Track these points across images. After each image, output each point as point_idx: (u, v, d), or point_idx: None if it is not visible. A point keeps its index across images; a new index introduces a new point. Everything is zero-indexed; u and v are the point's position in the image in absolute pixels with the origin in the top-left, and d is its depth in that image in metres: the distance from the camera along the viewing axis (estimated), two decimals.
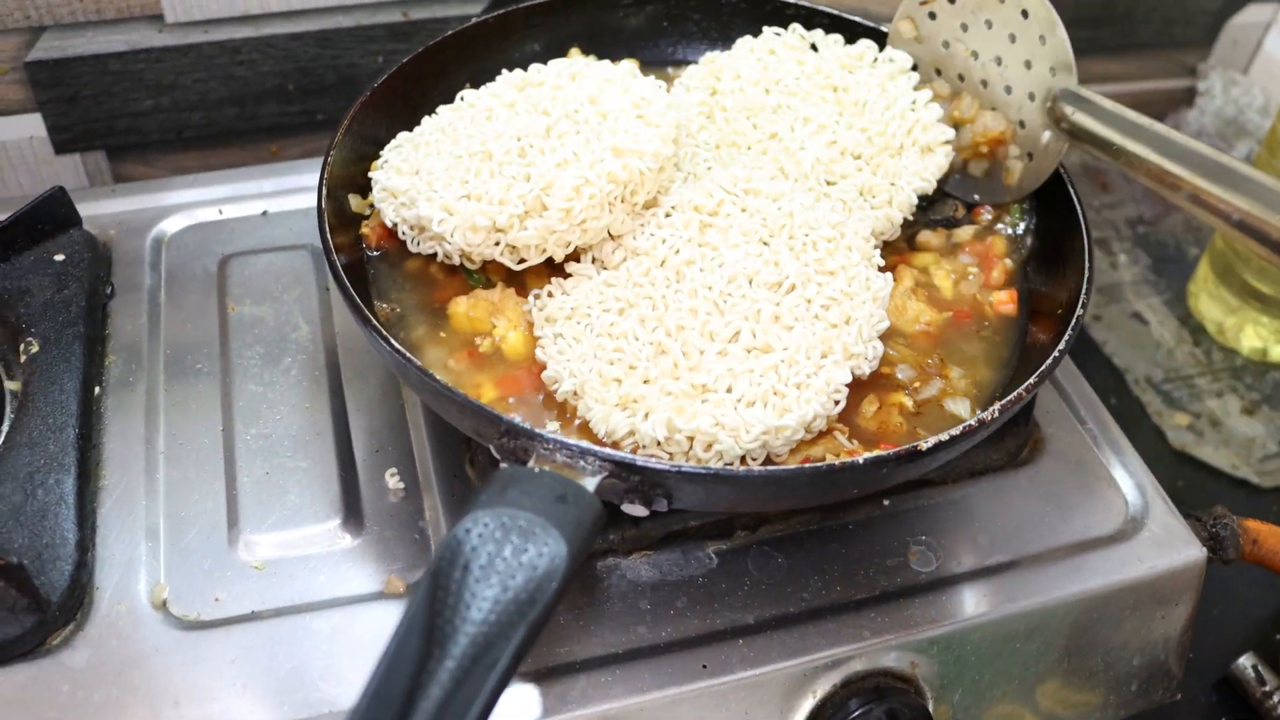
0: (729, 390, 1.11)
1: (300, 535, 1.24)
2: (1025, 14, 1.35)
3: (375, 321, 1.12)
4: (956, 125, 1.42)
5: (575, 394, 1.15)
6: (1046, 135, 1.37)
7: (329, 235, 1.20)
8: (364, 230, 1.31)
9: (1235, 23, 2.20)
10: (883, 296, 1.20)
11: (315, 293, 1.47)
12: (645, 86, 1.33)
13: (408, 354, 1.10)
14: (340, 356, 1.41)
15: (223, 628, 1.16)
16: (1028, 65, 1.37)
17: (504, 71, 1.39)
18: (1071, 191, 1.37)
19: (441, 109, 1.37)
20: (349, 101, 1.74)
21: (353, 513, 1.26)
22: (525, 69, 1.38)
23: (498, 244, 1.23)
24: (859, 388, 1.18)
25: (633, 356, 1.15)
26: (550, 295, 1.23)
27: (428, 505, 1.27)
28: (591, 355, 1.16)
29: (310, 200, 1.57)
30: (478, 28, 1.47)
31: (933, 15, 1.43)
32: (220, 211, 1.57)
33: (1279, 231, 1.11)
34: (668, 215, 1.25)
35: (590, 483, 0.99)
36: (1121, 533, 1.32)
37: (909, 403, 1.20)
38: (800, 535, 1.27)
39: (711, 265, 1.19)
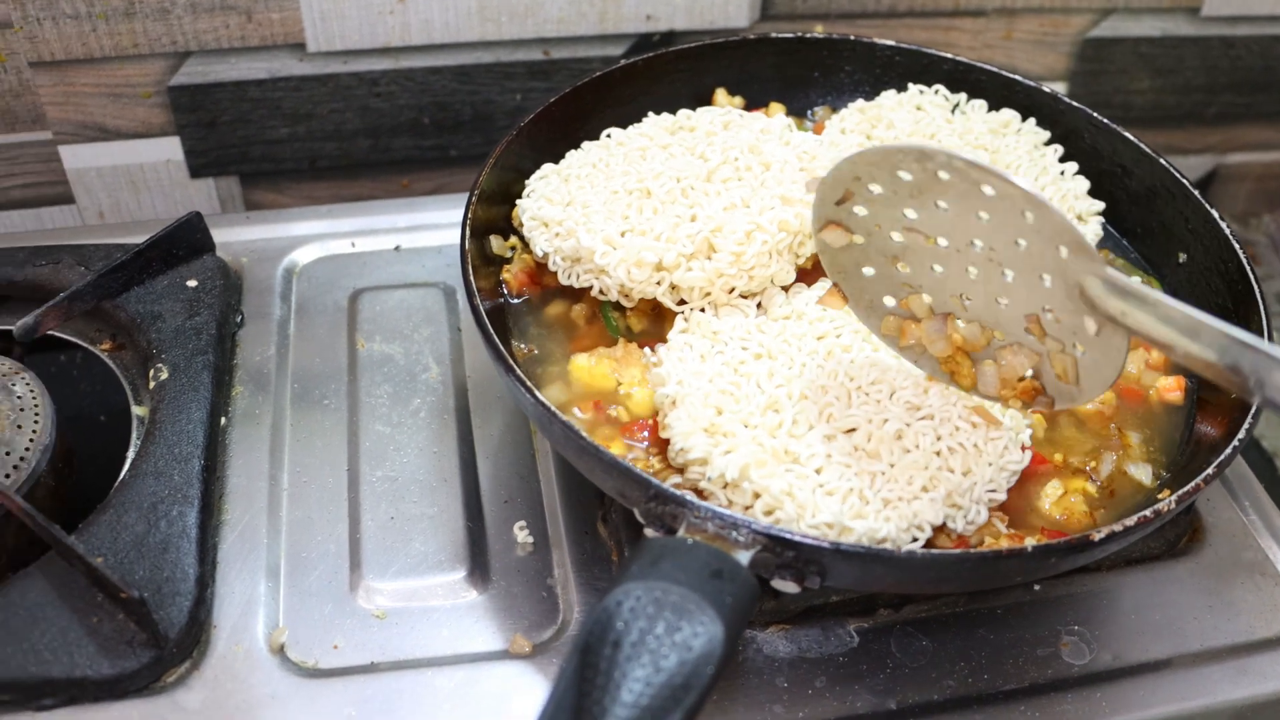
0: (817, 471, 1.05)
1: (424, 585, 1.20)
2: (989, 191, 0.96)
3: (519, 371, 1.08)
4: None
5: (672, 402, 1.11)
6: (1090, 325, 0.98)
7: (473, 280, 1.16)
8: (505, 276, 1.28)
9: None
10: (1010, 471, 1.10)
11: (447, 333, 1.44)
12: (807, 140, 1.31)
13: (552, 407, 1.05)
14: (470, 400, 1.37)
15: (341, 678, 1.12)
16: (1020, 242, 0.97)
17: (650, 114, 1.37)
18: (1249, 271, 1.28)
19: (587, 144, 1.35)
20: (484, 137, 1.74)
21: (478, 565, 1.21)
22: (672, 112, 1.35)
23: (660, 283, 1.20)
24: (1035, 478, 1.14)
25: (745, 397, 1.10)
26: (701, 310, 1.20)
27: (556, 562, 1.22)
28: (707, 376, 1.12)
29: (444, 238, 1.55)
30: (626, 70, 1.43)
31: (877, 187, 1.03)
32: (353, 244, 1.55)
33: None
34: None
35: (744, 556, 0.94)
36: None
37: (1092, 488, 1.13)
38: (946, 617, 1.20)
39: (864, 361, 1.14)
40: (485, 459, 1.31)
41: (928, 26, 1.80)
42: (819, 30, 1.76)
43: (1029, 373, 1.05)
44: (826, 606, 1.18)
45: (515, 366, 1.08)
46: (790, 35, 1.51)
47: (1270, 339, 1.20)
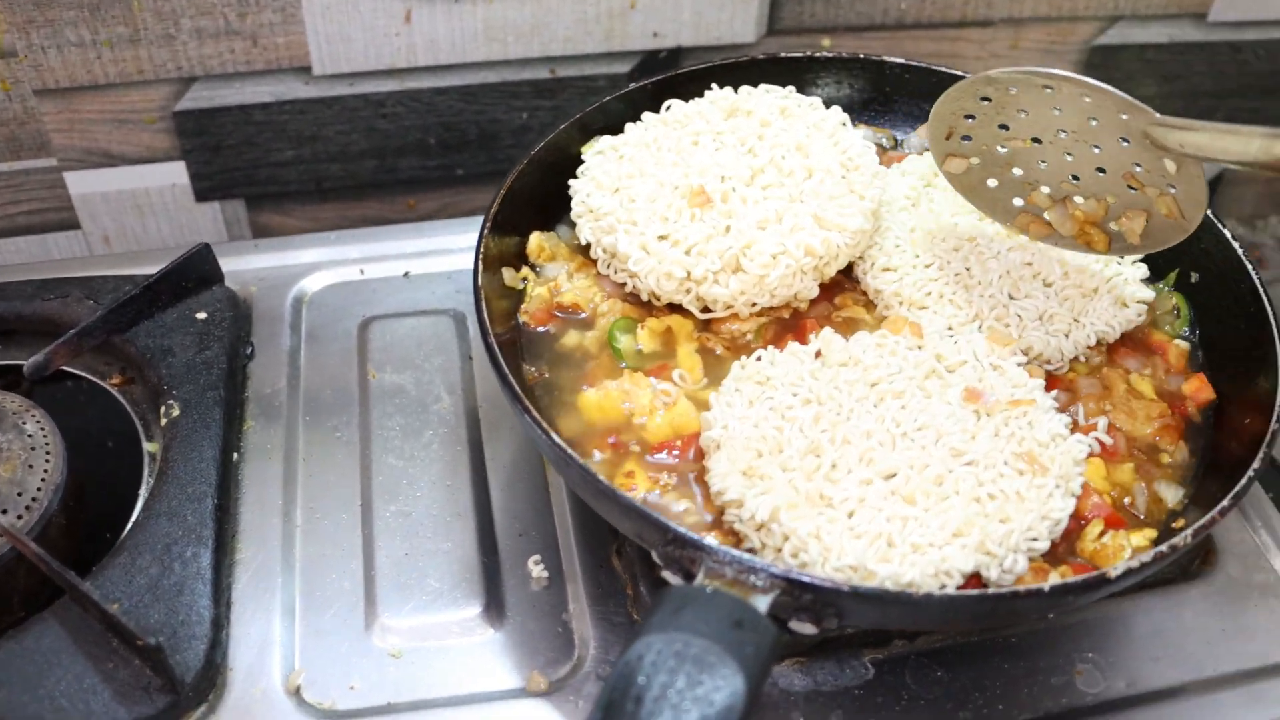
0: (849, 515, 1.05)
1: (439, 623, 1.19)
2: (1049, 89, 1.20)
3: (534, 413, 1.08)
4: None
5: (716, 445, 1.12)
6: (1169, 164, 1.18)
7: (489, 323, 1.15)
8: (523, 317, 1.27)
9: None
10: (1053, 519, 1.08)
11: (458, 361, 1.44)
12: (855, 142, 1.32)
13: (569, 450, 1.05)
14: (482, 431, 1.37)
15: (358, 719, 1.12)
16: (1092, 120, 1.20)
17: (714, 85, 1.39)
18: (1258, 283, 1.28)
19: (647, 117, 1.37)
20: (489, 157, 1.74)
21: (494, 601, 1.21)
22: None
23: (688, 292, 1.24)
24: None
25: (786, 442, 1.10)
26: (758, 359, 1.20)
27: (571, 596, 1.22)
28: (752, 421, 1.12)
29: (453, 263, 1.54)
30: (631, 96, 1.41)
31: (970, 116, 1.26)
32: (362, 271, 1.55)
33: None
34: (910, 349, 1.19)
35: (763, 601, 0.93)
36: None
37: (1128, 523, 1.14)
38: (960, 647, 1.20)
39: (914, 408, 1.13)
40: (499, 491, 1.31)
41: (935, 37, 1.79)
42: (826, 44, 1.76)
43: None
44: (841, 638, 1.18)
45: (530, 408, 1.08)
46: (800, 55, 1.49)
47: None
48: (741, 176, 1.27)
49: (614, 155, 1.33)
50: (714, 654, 0.86)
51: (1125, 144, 1.19)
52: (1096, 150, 1.22)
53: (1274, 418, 1.14)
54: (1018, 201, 1.27)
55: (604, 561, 1.24)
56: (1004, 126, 1.25)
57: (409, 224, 1.62)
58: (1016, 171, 1.27)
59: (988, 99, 1.23)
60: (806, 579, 0.95)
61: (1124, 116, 1.16)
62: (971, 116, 1.25)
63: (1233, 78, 1.95)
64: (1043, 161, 1.25)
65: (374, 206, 1.80)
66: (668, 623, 0.88)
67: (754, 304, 1.25)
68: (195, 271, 1.44)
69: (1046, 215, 1.26)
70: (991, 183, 1.27)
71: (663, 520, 0.99)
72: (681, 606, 0.89)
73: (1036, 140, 1.25)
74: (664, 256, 1.23)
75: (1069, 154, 1.23)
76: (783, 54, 1.48)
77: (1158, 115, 1.15)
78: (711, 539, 0.98)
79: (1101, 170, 1.22)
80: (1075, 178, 1.24)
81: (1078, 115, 1.20)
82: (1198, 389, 1.26)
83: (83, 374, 1.41)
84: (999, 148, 1.26)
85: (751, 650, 0.87)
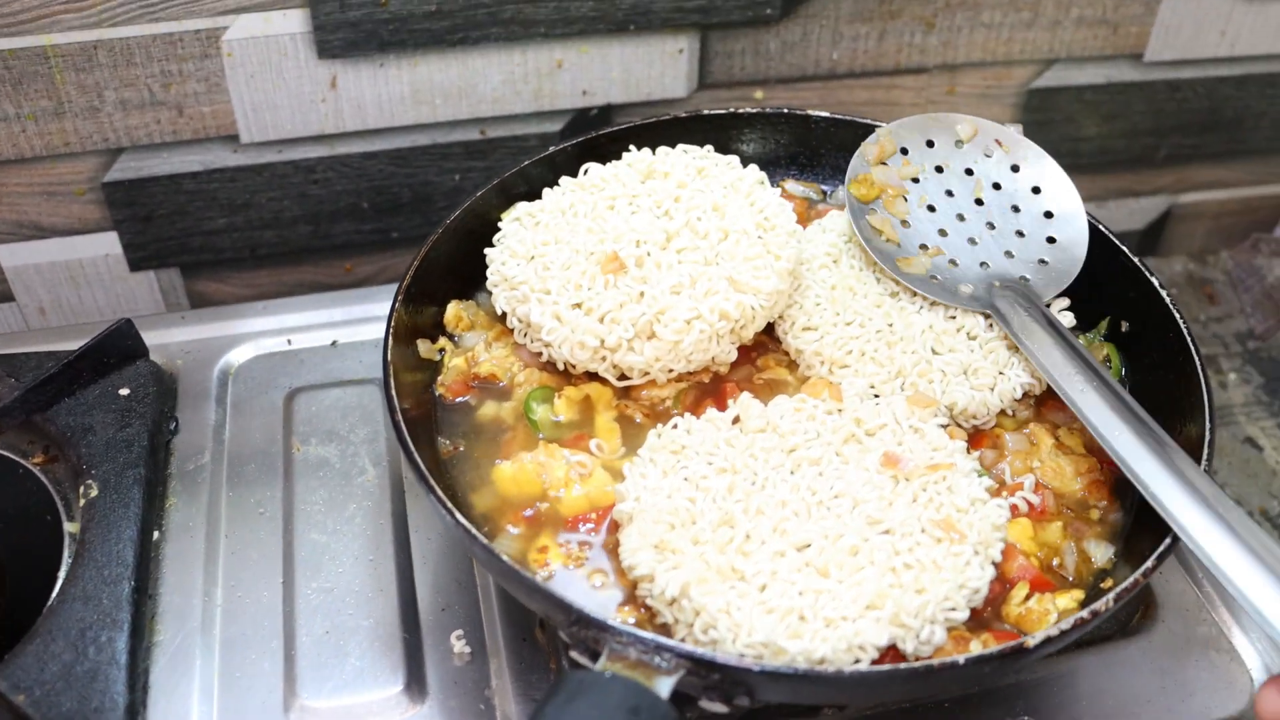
0: (761, 589, 1.03)
1: (360, 702, 1.17)
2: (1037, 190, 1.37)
3: (439, 492, 1.06)
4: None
5: (629, 517, 1.10)
6: (967, 290, 1.30)
7: (396, 401, 1.14)
8: (439, 389, 1.26)
9: None
10: (972, 588, 1.05)
11: (383, 432, 1.42)
12: (770, 201, 1.31)
13: (472, 529, 1.03)
14: (407, 504, 1.35)
15: None
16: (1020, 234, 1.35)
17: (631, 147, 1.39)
18: (1185, 332, 1.26)
19: (565, 180, 1.36)
20: (424, 219, 1.73)
21: (415, 679, 1.19)
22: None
23: (603, 359, 1.23)
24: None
25: (699, 513, 1.08)
26: (674, 428, 1.18)
27: (494, 670, 1.20)
28: (665, 492, 1.10)
29: (381, 330, 1.49)
30: (552, 159, 1.41)
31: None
32: (289, 341, 1.53)
33: None
34: (829, 413, 1.18)
35: (665, 684, 0.92)
36: (1244, 716, 1.21)
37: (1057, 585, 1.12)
38: (893, 714, 1.17)
39: (831, 475, 1.11)
40: (421, 565, 1.29)
41: (869, 86, 1.79)
42: (759, 96, 1.75)
43: None
44: (767, 710, 1.16)
45: (435, 487, 1.06)
46: (723, 111, 1.49)
47: (1211, 442, 1.16)
48: (656, 240, 1.26)
49: (530, 222, 1.32)
50: None
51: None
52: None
53: (1201, 465, 1.13)
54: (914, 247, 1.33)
55: (527, 635, 1.22)
56: (915, 180, 1.36)
57: (337, 292, 1.61)
58: (917, 218, 1.35)
59: (905, 150, 1.37)
60: (712, 657, 0.93)
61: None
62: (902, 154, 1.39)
63: (1172, 115, 1.95)
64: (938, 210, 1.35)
65: (310, 271, 1.79)
66: (561, 713, 0.86)
67: (670, 370, 1.24)
68: (117, 347, 1.42)
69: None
70: (896, 225, 1.34)
71: (565, 600, 0.97)
72: (575, 695, 0.88)
73: (949, 193, 1.36)
74: (577, 325, 1.21)
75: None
76: (705, 111, 1.48)
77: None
78: (616, 619, 0.96)
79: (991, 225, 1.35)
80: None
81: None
82: None
83: (5, 453, 1.38)
84: (906, 197, 1.36)
85: None
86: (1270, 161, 2.10)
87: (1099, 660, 1.24)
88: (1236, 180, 2.12)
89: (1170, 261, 2.13)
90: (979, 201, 1.37)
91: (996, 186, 1.37)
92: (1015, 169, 1.37)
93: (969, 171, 1.38)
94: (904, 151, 1.39)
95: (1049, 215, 1.35)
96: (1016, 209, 1.36)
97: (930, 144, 1.39)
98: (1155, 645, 1.26)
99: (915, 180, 1.38)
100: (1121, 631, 1.27)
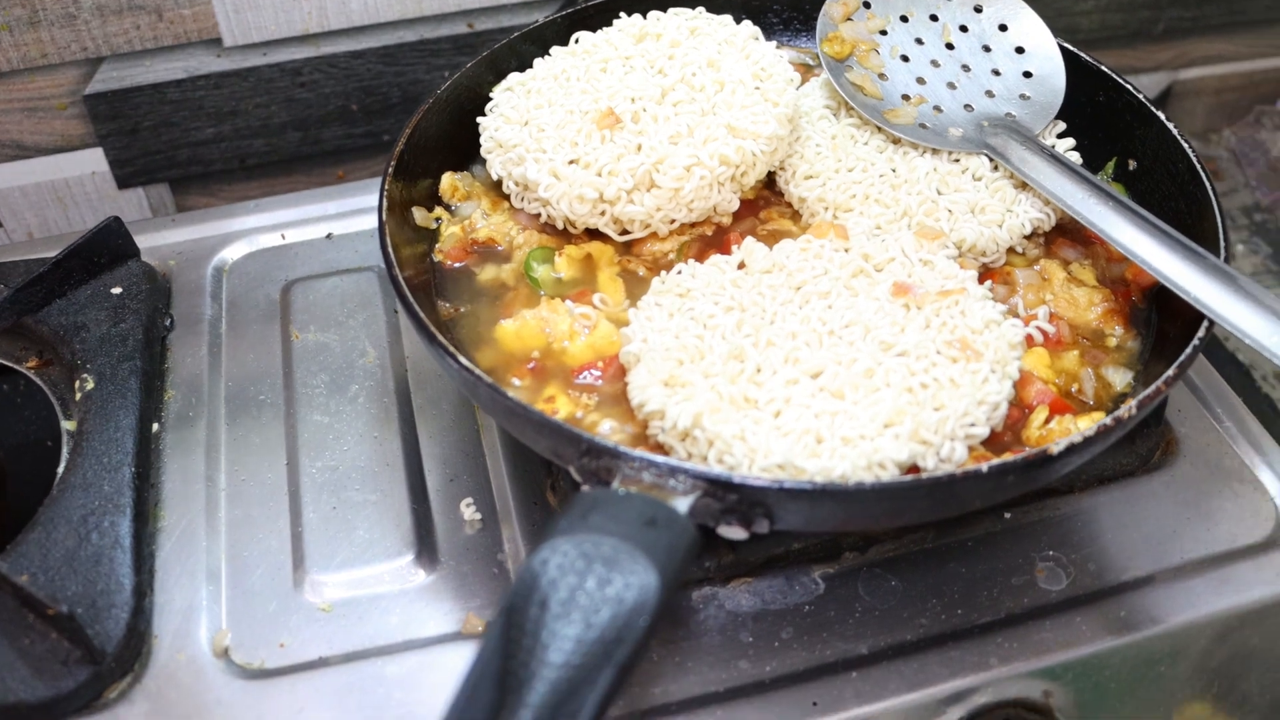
0: (776, 415, 1.00)
1: (370, 573, 1.15)
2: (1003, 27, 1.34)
3: (440, 338, 1.03)
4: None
5: (636, 358, 1.07)
6: (957, 133, 1.28)
7: (390, 249, 1.11)
8: (438, 255, 1.24)
9: None
10: (990, 403, 1.03)
11: (383, 316, 1.39)
12: (766, 54, 1.28)
13: (476, 370, 1.01)
14: (410, 382, 1.32)
15: (289, 676, 1.08)
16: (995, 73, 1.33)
17: (622, 13, 1.36)
18: (1195, 161, 1.23)
19: (556, 50, 1.34)
20: None
21: (426, 547, 1.17)
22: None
23: (603, 214, 1.21)
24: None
25: (708, 349, 1.06)
26: (678, 273, 1.15)
27: (506, 536, 1.18)
28: (672, 332, 1.07)
29: (376, 221, 1.50)
30: (540, 30, 1.38)
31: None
32: (283, 236, 1.50)
33: None
34: (836, 251, 1.15)
35: (683, 504, 0.89)
36: (1272, 540, 1.18)
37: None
38: (914, 555, 1.16)
39: (841, 306, 1.09)
40: (428, 439, 1.27)
41: None
42: None
43: None
44: (789, 555, 1.14)
45: (437, 334, 1.03)
46: None
47: (1227, 245, 1.14)
48: (651, 96, 1.23)
49: (522, 90, 1.29)
50: (624, 552, 0.81)
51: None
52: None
53: None
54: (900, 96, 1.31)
55: (539, 498, 1.19)
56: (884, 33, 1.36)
57: (330, 186, 1.58)
58: (893, 70, 1.33)
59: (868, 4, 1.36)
60: (729, 477, 0.90)
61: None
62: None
63: None
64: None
65: (302, 181, 1.76)
66: (576, 525, 0.83)
67: (672, 220, 1.21)
68: (107, 246, 1.39)
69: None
70: (875, 79, 1.32)
71: (574, 430, 0.94)
72: (591, 509, 0.85)
73: (919, 41, 1.35)
74: (575, 180, 1.19)
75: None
76: None
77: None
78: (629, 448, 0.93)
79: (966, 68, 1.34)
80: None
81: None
82: (1140, 274, 1.21)
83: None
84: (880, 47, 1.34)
85: (665, 546, 0.83)
86: (1271, 33, 2.07)
87: (1122, 495, 1.22)
88: (1237, 54, 2.08)
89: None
90: (949, 46, 1.35)
91: (964, 29, 1.35)
92: (978, 9, 1.36)
93: (934, 18, 1.36)
94: (866, 5, 1.36)
95: (1020, 50, 1.33)
96: (987, 49, 1.34)
97: None
98: (1177, 479, 1.24)
99: (884, 33, 1.36)
100: (1143, 468, 1.24)
